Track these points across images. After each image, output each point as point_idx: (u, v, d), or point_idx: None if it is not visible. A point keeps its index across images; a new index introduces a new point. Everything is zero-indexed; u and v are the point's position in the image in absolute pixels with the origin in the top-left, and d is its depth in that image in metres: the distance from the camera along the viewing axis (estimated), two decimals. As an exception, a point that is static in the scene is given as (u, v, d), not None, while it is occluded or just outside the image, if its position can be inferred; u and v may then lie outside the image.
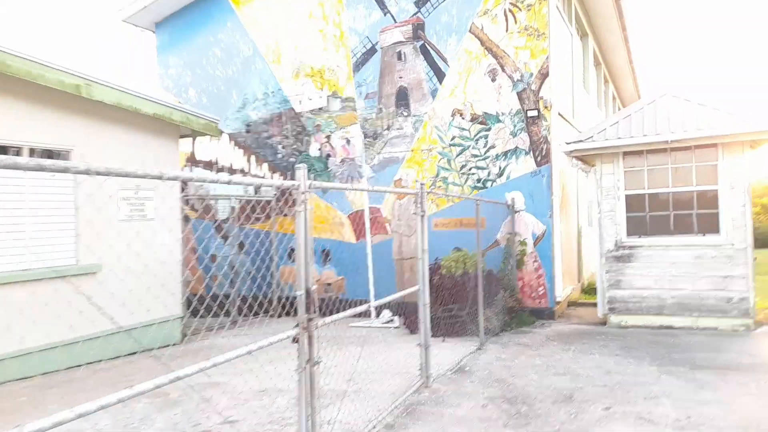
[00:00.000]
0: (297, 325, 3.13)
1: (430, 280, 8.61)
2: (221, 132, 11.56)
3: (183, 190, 12.13)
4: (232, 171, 11.62)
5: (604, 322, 8.23)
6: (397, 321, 9.33)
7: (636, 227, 7.94)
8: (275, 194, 11.07)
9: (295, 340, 3.10)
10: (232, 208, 11.44)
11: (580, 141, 7.91)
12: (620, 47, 15.76)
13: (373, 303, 4.43)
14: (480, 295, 7.38)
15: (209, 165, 11.80)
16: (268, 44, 11.11)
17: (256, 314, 10.49)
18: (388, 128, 10.15)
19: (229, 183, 2.89)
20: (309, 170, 10.84)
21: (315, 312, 3.27)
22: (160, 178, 2.34)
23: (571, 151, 8.07)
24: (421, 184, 5.32)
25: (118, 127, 7.70)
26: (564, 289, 9.47)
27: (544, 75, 8.96)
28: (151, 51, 12.51)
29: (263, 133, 11.24)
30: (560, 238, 9.34)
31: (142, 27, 12.28)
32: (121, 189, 7.84)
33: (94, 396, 1.98)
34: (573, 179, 11.00)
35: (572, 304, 10.26)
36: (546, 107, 8.94)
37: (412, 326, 8.38)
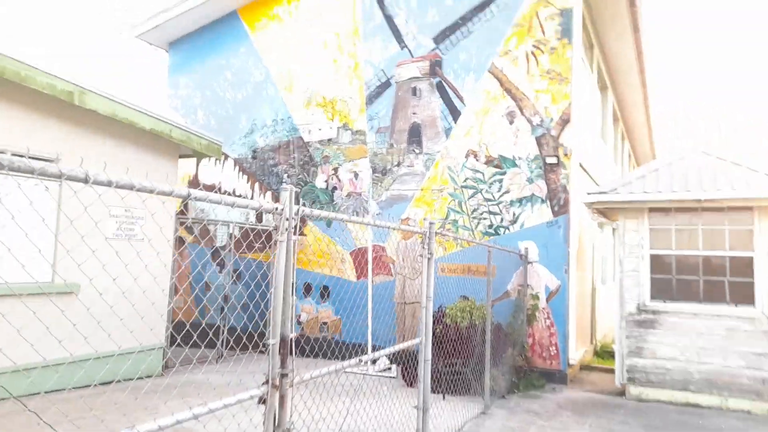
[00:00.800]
0: (266, 382, 2.50)
1: (433, 330, 7.93)
2: (224, 155, 11.14)
3: (183, 212, 11.65)
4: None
5: (621, 392, 7.46)
6: (394, 370, 8.59)
7: (661, 290, 7.27)
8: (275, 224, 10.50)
9: (262, 400, 2.47)
10: (230, 236, 10.88)
11: (604, 193, 7.35)
12: (639, 104, 15.44)
13: (369, 356, 3.79)
14: (487, 351, 6.69)
15: (211, 189, 11.32)
16: (281, 71, 10.80)
17: (245, 349, 9.78)
18: (398, 164, 9.66)
19: (205, 200, 2.35)
20: (314, 202, 10.35)
21: (291, 365, 2.65)
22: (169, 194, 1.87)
23: (593, 203, 7.50)
24: (430, 223, 4.74)
25: (111, 140, 7.25)
26: (577, 351, 8.72)
27: (565, 121, 8.50)
28: (163, 70, 12.27)
29: (269, 160, 10.79)
30: (575, 294, 8.66)
31: (156, 45, 12.08)
32: (110, 205, 7.32)
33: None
34: (589, 233, 10.40)
35: (585, 367, 9.47)
36: (566, 155, 8.44)
37: (410, 378, 7.64)
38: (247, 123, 11.07)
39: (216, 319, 10.16)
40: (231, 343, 9.87)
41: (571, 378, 8.36)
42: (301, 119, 10.54)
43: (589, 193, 7.56)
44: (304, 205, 10.81)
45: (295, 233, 2.79)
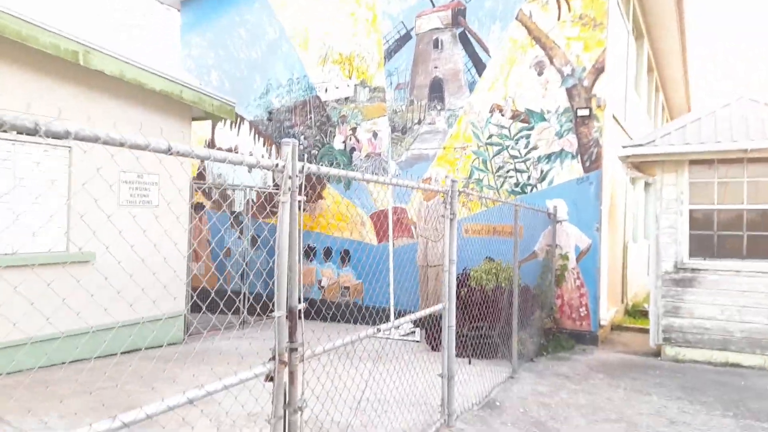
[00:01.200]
0: (272, 358, 2.26)
1: (457, 293, 7.68)
2: (240, 117, 10.85)
3: (200, 177, 11.49)
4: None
5: (657, 353, 7.15)
6: (418, 334, 8.42)
7: (700, 247, 6.84)
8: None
9: (269, 378, 2.23)
10: (249, 200, 10.71)
11: (640, 145, 6.86)
12: (676, 53, 14.52)
13: (389, 324, 3.54)
14: (515, 314, 6.41)
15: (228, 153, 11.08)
16: (296, 27, 10.33)
17: (269, 314, 9.71)
18: (419, 122, 9.24)
19: (201, 158, 2.08)
20: (332, 164, 10.03)
21: (300, 338, 2.40)
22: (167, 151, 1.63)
23: (628, 156, 7.03)
24: (453, 181, 4.40)
25: (120, 102, 7.00)
26: (608, 311, 8.39)
27: (598, 70, 7.92)
28: (176, 30, 11.90)
29: (285, 121, 10.47)
30: (607, 253, 8.27)
31: (167, 4, 11.68)
32: (122, 171, 7.15)
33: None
34: (621, 189, 9.90)
35: (616, 328, 9.16)
36: (599, 106, 7.90)
37: (434, 342, 7.46)
38: (262, 83, 10.71)
39: (238, 286, 10.11)
40: (257, 308, 9.82)
41: (602, 339, 8.06)
42: (317, 78, 10.14)
43: (624, 146, 7.07)
44: (318, 163, 10.52)
45: (300, 193, 2.50)
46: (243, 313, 9.23)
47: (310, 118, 10.20)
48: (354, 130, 9.78)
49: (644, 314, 10.56)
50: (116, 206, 7.08)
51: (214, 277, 10.57)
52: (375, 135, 9.59)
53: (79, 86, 6.51)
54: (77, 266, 6.58)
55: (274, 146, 10.62)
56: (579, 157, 8.03)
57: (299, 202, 2.51)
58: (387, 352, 7.08)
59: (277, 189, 10.25)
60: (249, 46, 10.86)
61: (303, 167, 2.52)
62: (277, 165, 2.32)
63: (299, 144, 10.14)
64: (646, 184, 12.90)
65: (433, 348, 7.41)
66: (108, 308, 5.47)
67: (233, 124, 11.02)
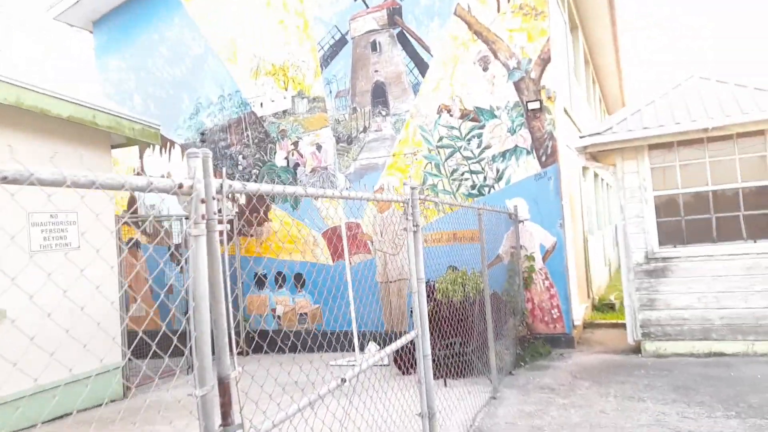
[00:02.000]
0: (197, 459, 1.59)
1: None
2: (167, 140, 9.97)
3: (130, 209, 10.50)
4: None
5: (636, 350, 6.81)
6: (385, 357, 7.80)
7: (669, 235, 6.57)
8: (236, 212, 9.50)
9: (196, 487, 1.56)
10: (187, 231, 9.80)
11: (598, 134, 6.54)
12: (608, 45, 14.67)
13: (359, 368, 2.91)
14: (489, 326, 5.90)
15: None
16: (222, 40, 9.60)
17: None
18: (364, 130, 8.68)
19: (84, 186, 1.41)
20: (273, 182, 9.33)
21: (237, 418, 1.75)
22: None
23: (586, 147, 6.70)
24: (412, 188, 3.83)
25: (20, 135, 6.08)
26: (580, 310, 8.04)
27: (545, 61, 7.62)
28: (90, 54, 10.91)
29: (221, 142, 9.68)
30: (573, 250, 7.94)
31: (78, 26, 10.69)
32: (31, 212, 6.21)
33: None
34: (575, 181, 9.66)
35: (588, 325, 8.84)
36: (549, 97, 7.58)
37: (404, 365, 6.84)
38: (191, 103, 9.89)
39: (183, 324, 9.18)
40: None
41: (577, 340, 7.69)
42: (250, 92, 9.42)
43: (581, 136, 6.75)
44: (239, 178, 9.81)
45: (223, 220, 1.86)
46: (191, 356, 8.32)
47: (247, 135, 9.46)
48: (296, 144, 9.11)
49: (611, 307, 10.34)
50: (27, 253, 6.13)
51: (154, 319, 9.59)
52: (319, 148, 8.96)
53: (-34, 118, 5.57)
54: (-18, 328, 5.59)
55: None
56: (534, 152, 7.67)
57: (222, 233, 1.86)
58: (353, 384, 6.40)
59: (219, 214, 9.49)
60: (172, 64, 10.03)
61: (222, 185, 1.88)
62: (180, 186, 1.67)
63: (237, 164, 9.39)
64: (596, 174, 12.84)
65: (403, 372, 6.80)
66: (29, 369, 4.58)
67: (162, 149, 10.13)
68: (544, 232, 7.61)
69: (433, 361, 6.08)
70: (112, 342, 6.81)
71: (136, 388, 7.27)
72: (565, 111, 8.55)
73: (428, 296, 7.00)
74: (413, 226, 3.79)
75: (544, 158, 7.61)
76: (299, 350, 8.48)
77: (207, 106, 9.77)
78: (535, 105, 7.59)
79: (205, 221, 1.72)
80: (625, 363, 6.38)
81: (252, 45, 9.37)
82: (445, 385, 6.05)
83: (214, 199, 1.84)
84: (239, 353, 9.04)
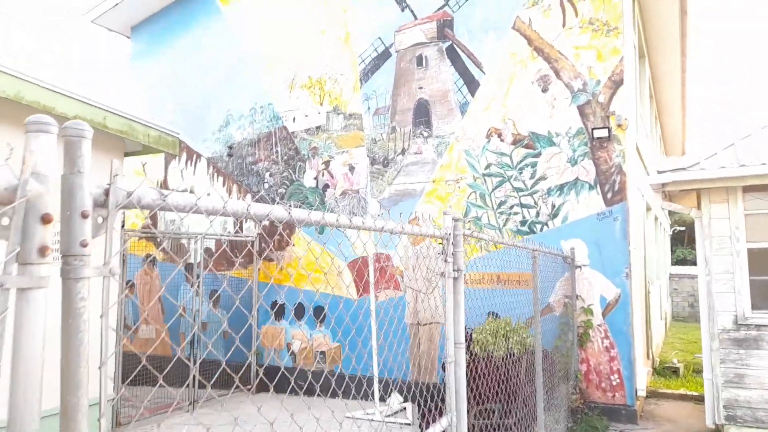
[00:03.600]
0: None
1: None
2: (194, 153, 9.36)
3: (151, 224, 9.90)
4: None
5: (718, 437, 5.55)
6: (409, 411, 6.74)
7: (766, 297, 5.34)
8: (258, 233, 8.72)
9: None
10: (207, 250, 9.10)
11: (681, 169, 5.45)
12: (676, 78, 13.49)
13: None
14: (539, 392, 4.81)
15: (182, 196, 9.50)
16: (258, 49, 9.00)
17: (224, 386, 8.01)
18: (402, 152, 7.81)
19: None
20: (301, 204, 8.53)
21: None
22: None
23: (665, 184, 5.60)
24: (455, 221, 2.88)
25: (20, 132, 5.46)
26: (644, 378, 6.81)
27: (615, 83, 6.61)
28: (123, 60, 10.54)
29: (248, 157, 8.99)
30: (640, 305, 6.76)
31: (116, 31, 10.35)
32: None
33: None
34: (640, 222, 8.47)
35: (651, 394, 7.53)
36: (620, 125, 6.53)
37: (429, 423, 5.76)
38: (221, 114, 9.28)
39: (189, 351, 8.39)
40: (209, 382, 8.12)
41: (640, 413, 6.44)
42: (283, 105, 8.73)
43: (660, 171, 5.65)
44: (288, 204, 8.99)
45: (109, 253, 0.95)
46: (192, 387, 7.47)
47: (277, 151, 8.74)
48: (327, 163, 8.31)
49: (674, 372, 8.96)
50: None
51: (165, 344, 8.86)
52: (352, 169, 8.12)
53: (-45, 109, 4.97)
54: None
55: (235, 185, 9.10)
56: (598, 187, 6.60)
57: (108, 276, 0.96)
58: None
59: (240, 234, 8.56)
60: (206, 73, 9.48)
61: (109, 191, 0.98)
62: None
63: (264, 182, 8.64)
64: (656, 217, 11.55)
65: (429, 437, 5.71)
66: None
67: (189, 161, 9.52)
68: (606, 281, 6.47)
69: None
70: (97, 372, 6.02)
71: (124, 428, 6.42)
72: (636, 147, 7.46)
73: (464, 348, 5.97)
74: (454, 270, 2.82)
75: (610, 195, 6.53)
76: (316, 393, 7.51)
77: (237, 118, 9.13)
78: (603, 133, 6.55)
79: (55, 259, 0.82)
80: (707, 454, 5.13)
81: (289, 56, 8.71)
82: (479, 461, 4.95)
83: (85, 217, 0.94)
84: (248, 389, 8.14)
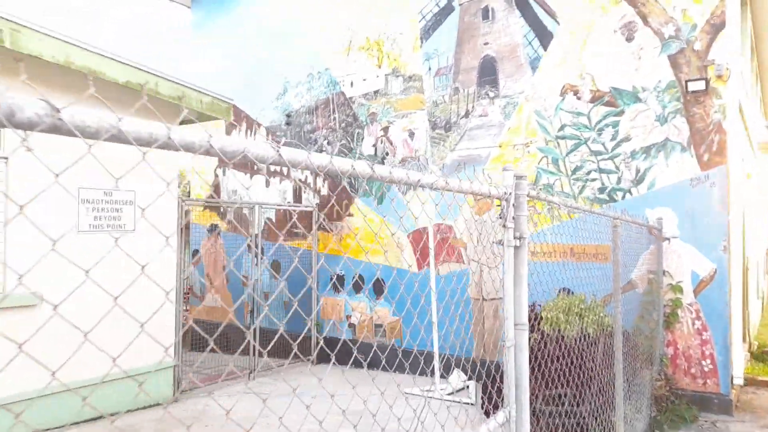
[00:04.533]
0: None
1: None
2: (253, 122, 9.22)
3: (212, 195, 9.96)
4: (268, 174, 9.19)
5: (837, 441, 4.74)
6: (472, 390, 6.34)
7: None
8: (317, 203, 8.50)
9: None
10: (268, 220, 9.04)
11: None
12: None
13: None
14: (618, 378, 4.25)
15: (243, 167, 9.47)
16: (314, 12, 8.62)
17: (284, 356, 7.96)
18: (466, 115, 7.24)
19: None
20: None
21: None
22: None
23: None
24: (517, 178, 2.38)
25: (70, 99, 5.41)
26: (742, 364, 6.00)
27: (715, 28, 5.68)
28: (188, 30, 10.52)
29: (306, 125, 8.73)
30: (739, 282, 5.93)
31: (177, 1, 10.32)
32: (80, 188, 5.56)
33: None
34: (741, 189, 7.45)
35: (748, 381, 6.68)
36: (719, 76, 5.63)
37: (494, 408, 5.34)
38: (278, 82, 9.04)
39: (249, 320, 8.42)
40: (265, 350, 8.12)
41: (735, 403, 5.67)
42: (340, 70, 8.35)
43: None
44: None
45: None
46: (253, 355, 7.45)
47: (334, 118, 8.40)
48: (386, 130, 7.88)
49: (776, 358, 7.96)
50: (74, 233, 5.49)
51: (223, 311, 8.94)
52: (411, 135, 7.65)
53: (9, 77, 4.95)
54: (16, 312, 4.98)
55: (293, 155, 8.87)
56: (692, 148, 5.76)
57: None
58: (425, 419, 5.02)
59: (299, 204, 8.39)
60: (263, 40, 9.25)
61: None
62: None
63: (322, 150, 8.35)
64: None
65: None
66: (68, 365, 3.80)
67: (249, 130, 9.41)
68: (700, 255, 5.68)
69: (532, 419, 4.56)
70: (164, 339, 6.05)
71: (185, 394, 6.46)
72: (738, 99, 6.47)
73: (531, 327, 5.45)
74: (515, 237, 2.34)
75: (706, 157, 5.68)
76: (378, 367, 7.28)
77: (295, 85, 8.86)
78: (699, 85, 5.67)
79: None
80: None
81: (346, 16, 8.27)
82: (548, 451, 4.48)
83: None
84: (308, 360, 8.04)
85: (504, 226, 2.32)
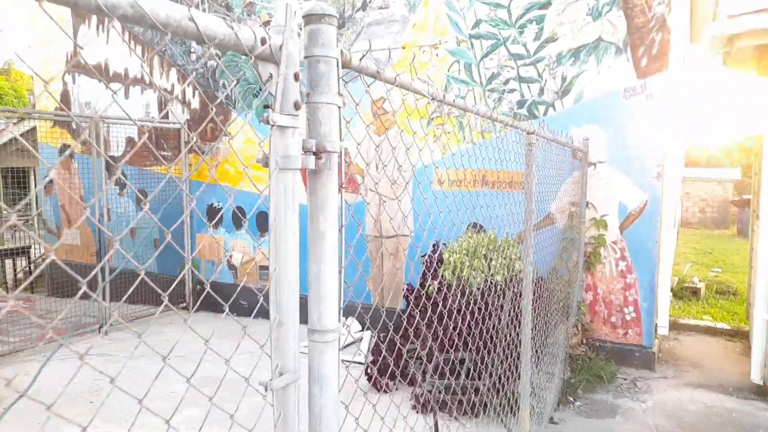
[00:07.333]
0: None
1: (413, 292, 4.53)
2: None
3: (61, 107, 8.04)
4: (128, 81, 7.39)
5: (763, 393, 4.08)
6: (364, 343, 5.34)
7: None
8: (187, 119, 6.90)
9: None
10: (129, 140, 7.37)
11: (769, 8, 3.47)
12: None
13: None
14: (525, 340, 3.25)
15: (99, 71, 7.56)
16: None
17: (153, 303, 6.69)
18: (363, 8, 5.75)
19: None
20: (245, 93, 6.36)
21: None
22: None
23: (734, 36, 3.65)
24: (306, 18, 1.09)
25: None
26: (666, 310, 5.27)
27: None
28: None
29: (170, 20, 6.89)
30: (671, 216, 5.09)
31: None
32: None
33: None
34: (682, 101, 6.56)
35: (670, 325, 6.06)
36: (668, -44, 4.44)
37: (380, 375, 4.30)
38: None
39: (118, 262, 7.01)
40: (121, 298, 6.82)
41: (658, 355, 4.97)
42: (209, -55, 6.50)
43: (730, 16, 3.68)
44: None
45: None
46: (107, 306, 6.08)
47: (204, 10, 6.63)
48: (266, 24, 6.24)
49: (695, 293, 7.51)
50: None
51: (80, 250, 7.42)
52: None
53: None
54: None
55: (157, 57, 7.09)
56: (628, 50, 4.65)
57: None
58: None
59: (166, 121, 6.71)
60: None
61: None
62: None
63: (191, 52, 6.70)
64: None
65: (380, 388, 4.27)
66: None
67: (101, 27, 7.46)
68: (630, 183, 4.73)
69: (424, 382, 3.59)
70: None
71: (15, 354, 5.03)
72: (682, -7, 5.35)
73: (433, 273, 4.39)
74: (306, 151, 1.07)
75: (644, 62, 4.59)
76: (258, 316, 6.12)
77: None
78: (644, -33, 4.47)
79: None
80: (746, 417, 3.67)
81: None
82: (435, 427, 3.48)
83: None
84: (183, 308, 6.76)
85: (268, 122, 1.03)
